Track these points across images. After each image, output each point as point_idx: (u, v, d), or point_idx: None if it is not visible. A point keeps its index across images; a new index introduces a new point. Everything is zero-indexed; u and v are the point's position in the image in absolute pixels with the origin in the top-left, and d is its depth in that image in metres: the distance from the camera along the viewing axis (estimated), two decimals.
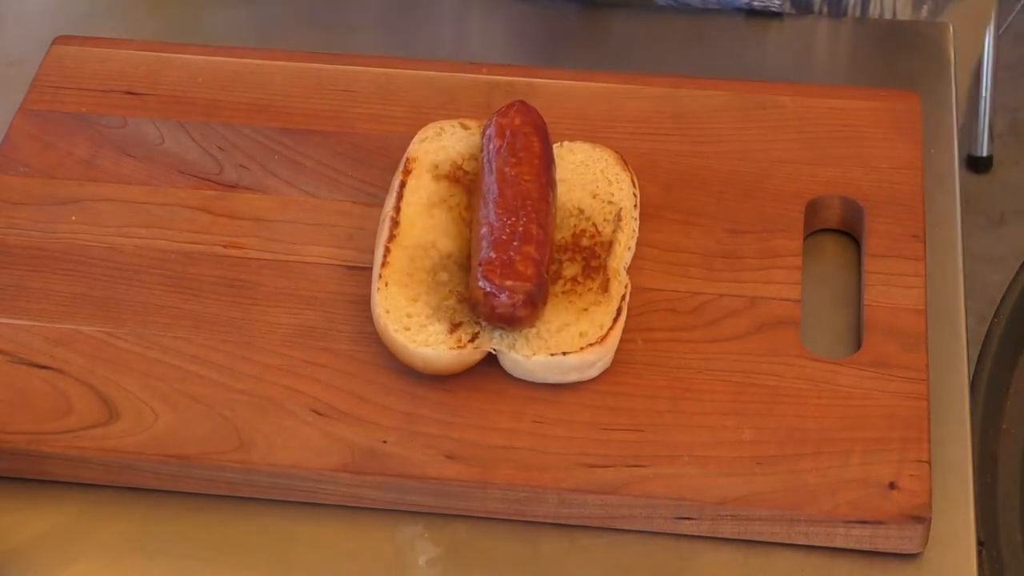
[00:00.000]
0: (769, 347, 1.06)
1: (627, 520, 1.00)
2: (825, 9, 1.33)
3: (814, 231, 1.15)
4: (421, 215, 1.11)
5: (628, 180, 1.14)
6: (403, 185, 1.12)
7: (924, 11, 1.33)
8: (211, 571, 1.00)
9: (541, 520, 1.01)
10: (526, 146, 1.10)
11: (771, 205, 1.14)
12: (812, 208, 1.14)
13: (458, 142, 1.15)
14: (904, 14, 1.33)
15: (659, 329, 1.07)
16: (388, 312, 1.05)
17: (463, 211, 1.11)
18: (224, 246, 1.13)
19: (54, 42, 1.26)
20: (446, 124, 1.16)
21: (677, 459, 1.01)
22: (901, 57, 1.30)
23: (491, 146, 1.11)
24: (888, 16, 1.32)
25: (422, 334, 1.04)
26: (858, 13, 1.32)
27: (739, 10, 1.32)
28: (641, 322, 1.07)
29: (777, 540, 1.00)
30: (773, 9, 1.30)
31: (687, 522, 1.00)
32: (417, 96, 1.21)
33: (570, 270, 1.08)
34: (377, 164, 1.17)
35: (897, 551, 0.99)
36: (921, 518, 0.98)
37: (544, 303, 1.04)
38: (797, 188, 1.15)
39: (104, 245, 1.13)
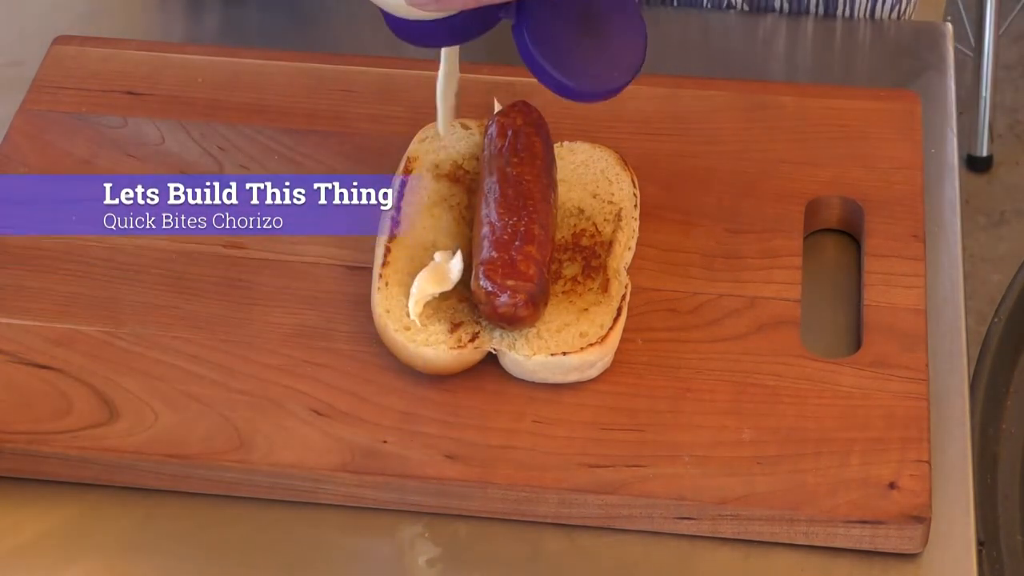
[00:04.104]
0: (769, 347, 1.06)
1: (627, 520, 1.00)
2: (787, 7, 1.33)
3: (814, 231, 1.15)
4: (422, 215, 1.11)
5: (628, 180, 1.14)
6: (404, 185, 1.12)
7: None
8: (211, 571, 1.00)
9: (541, 520, 1.01)
10: (528, 146, 1.10)
11: (771, 205, 1.14)
12: (812, 208, 1.14)
13: (458, 142, 1.15)
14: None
15: (659, 329, 1.07)
16: (388, 312, 1.05)
17: (464, 211, 1.12)
18: (224, 246, 1.13)
19: (54, 42, 1.26)
20: None
21: (677, 459, 1.01)
22: (901, 57, 1.30)
23: (493, 146, 1.11)
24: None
25: (422, 334, 1.04)
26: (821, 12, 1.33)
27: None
28: (641, 322, 1.07)
29: (777, 540, 1.00)
30: None
31: (687, 522, 1.00)
32: (417, 96, 1.21)
33: (570, 270, 1.08)
34: (377, 164, 1.17)
35: (897, 551, 0.99)
36: (921, 518, 0.98)
37: (545, 303, 1.04)
38: (797, 188, 1.15)
39: (104, 245, 1.13)
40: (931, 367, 1.06)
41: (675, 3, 1.34)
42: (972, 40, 2.50)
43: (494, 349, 1.05)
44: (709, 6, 1.33)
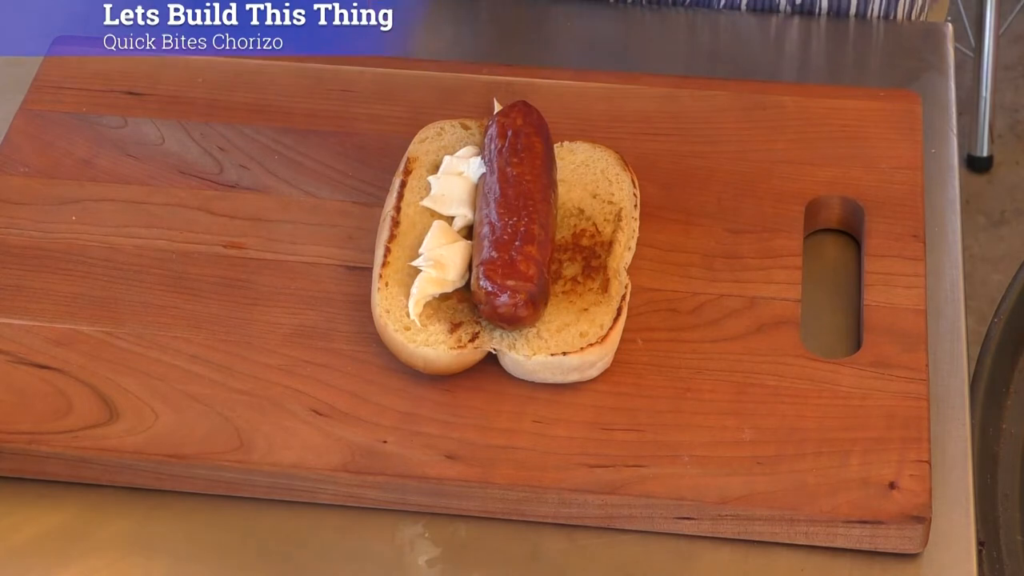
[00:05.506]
0: (769, 347, 1.06)
1: (627, 520, 1.00)
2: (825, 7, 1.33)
3: (814, 231, 1.15)
4: (421, 215, 1.11)
5: (628, 180, 1.14)
6: (403, 185, 1.12)
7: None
8: (211, 571, 1.00)
9: (541, 520, 1.01)
10: (528, 146, 1.10)
11: (771, 205, 1.14)
12: (812, 208, 1.14)
13: (458, 142, 1.15)
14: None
15: (659, 329, 1.07)
16: (388, 312, 1.05)
17: None
18: (224, 246, 1.13)
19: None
20: (446, 124, 1.16)
21: (677, 459, 1.01)
22: (901, 57, 1.30)
23: (493, 146, 1.11)
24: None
25: (422, 334, 1.04)
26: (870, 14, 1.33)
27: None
28: (641, 322, 1.07)
29: (777, 540, 1.00)
30: None
31: (687, 522, 1.00)
32: (417, 96, 1.21)
33: (570, 270, 1.08)
34: (377, 164, 1.17)
35: (897, 551, 0.99)
36: (921, 518, 0.98)
37: (545, 303, 1.04)
38: (797, 188, 1.15)
39: (104, 245, 1.13)
40: (931, 367, 1.06)
41: (685, 3, 1.34)
42: (972, 40, 2.49)
43: (494, 349, 1.04)
44: (719, 6, 1.33)
